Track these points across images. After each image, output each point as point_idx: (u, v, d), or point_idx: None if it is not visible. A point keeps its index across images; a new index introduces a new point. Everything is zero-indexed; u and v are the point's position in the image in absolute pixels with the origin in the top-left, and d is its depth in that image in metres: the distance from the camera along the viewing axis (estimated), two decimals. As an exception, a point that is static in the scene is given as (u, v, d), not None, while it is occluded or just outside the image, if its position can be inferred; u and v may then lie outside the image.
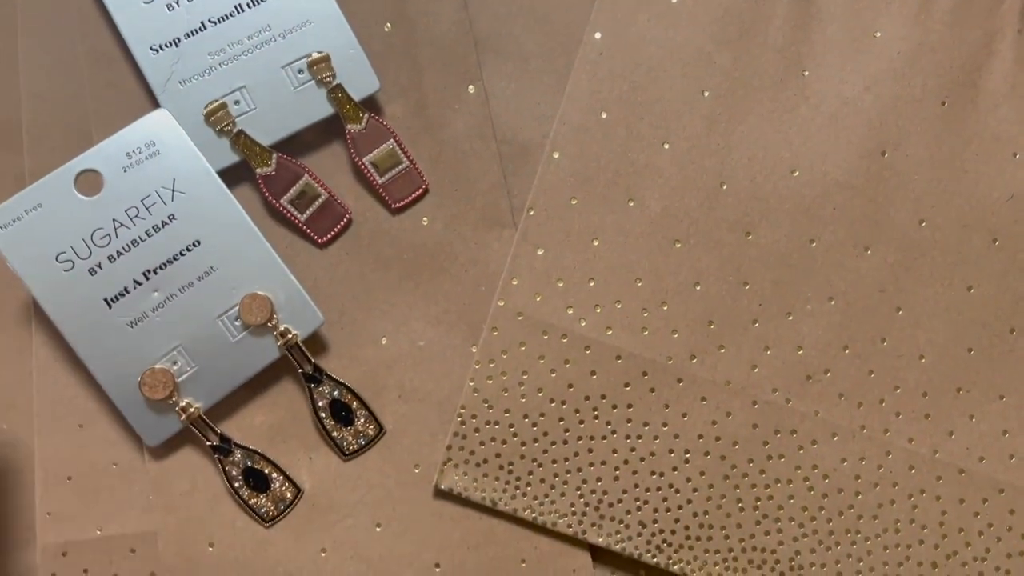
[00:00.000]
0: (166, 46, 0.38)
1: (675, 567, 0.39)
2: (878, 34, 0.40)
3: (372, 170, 0.39)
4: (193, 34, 0.38)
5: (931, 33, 0.40)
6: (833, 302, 0.40)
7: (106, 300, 0.36)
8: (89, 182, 0.36)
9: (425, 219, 0.40)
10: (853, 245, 0.40)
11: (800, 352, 0.40)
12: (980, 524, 0.40)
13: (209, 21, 0.38)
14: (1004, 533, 0.40)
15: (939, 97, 0.40)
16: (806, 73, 0.40)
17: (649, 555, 0.39)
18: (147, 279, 0.36)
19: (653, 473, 0.39)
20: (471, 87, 0.40)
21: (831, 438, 0.40)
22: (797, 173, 0.40)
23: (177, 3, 0.38)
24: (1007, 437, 0.40)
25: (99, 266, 0.36)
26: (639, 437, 0.39)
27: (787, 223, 0.40)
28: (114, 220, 0.36)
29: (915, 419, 0.40)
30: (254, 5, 0.38)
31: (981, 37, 0.41)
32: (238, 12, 0.38)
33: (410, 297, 0.40)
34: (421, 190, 0.40)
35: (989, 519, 0.40)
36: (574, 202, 0.39)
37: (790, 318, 0.40)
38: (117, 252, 0.36)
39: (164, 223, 0.36)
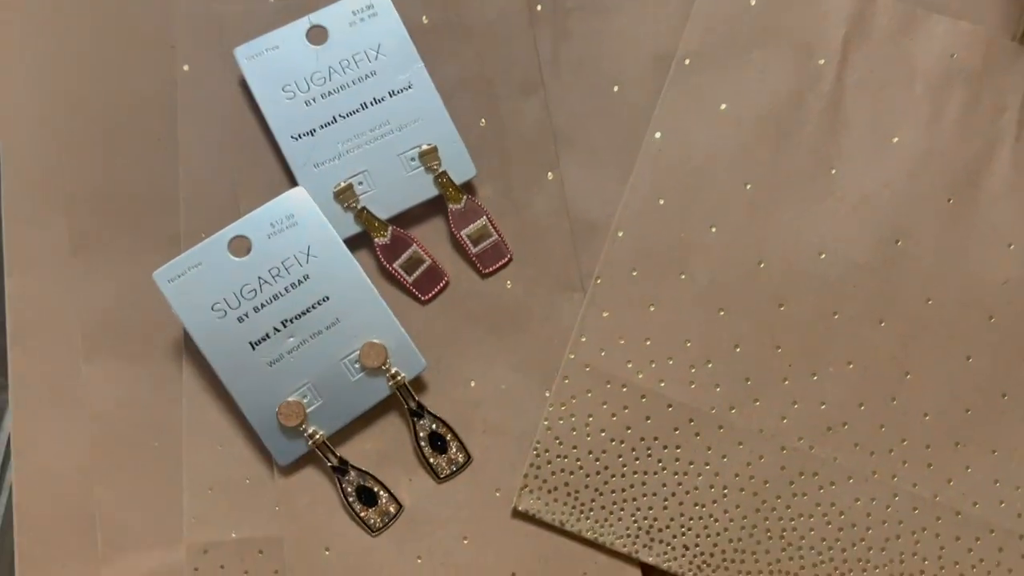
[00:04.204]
0: (304, 135, 0.43)
1: (713, 584, 0.43)
2: (895, 139, 0.44)
3: (467, 241, 0.44)
4: (326, 126, 0.43)
5: (940, 140, 0.44)
6: (851, 366, 0.43)
7: (251, 343, 0.41)
8: (240, 246, 0.41)
9: (509, 283, 0.44)
10: (869, 318, 0.43)
11: (823, 407, 0.43)
12: (973, 559, 0.43)
13: (340, 116, 0.43)
14: (994, 568, 0.43)
15: (946, 195, 0.44)
16: (833, 171, 0.44)
17: (691, 573, 0.42)
18: (284, 327, 0.41)
19: (696, 504, 0.43)
20: (550, 174, 0.45)
21: (847, 481, 0.43)
22: (824, 255, 0.43)
23: (314, 100, 0.43)
24: (998, 486, 0.43)
25: (246, 315, 0.41)
26: (685, 474, 0.43)
27: (814, 298, 0.43)
28: (259, 278, 0.41)
29: (919, 467, 0.43)
30: (375, 103, 0.43)
31: (983, 144, 0.44)
32: (363, 109, 0.43)
33: (495, 348, 0.44)
34: (506, 259, 0.44)
35: (981, 555, 0.43)
36: (634, 273, 0.43)
37: (815, 378, 0.43)
38: (261, 304, 0.41)
39: (300, 281, 0.41)
